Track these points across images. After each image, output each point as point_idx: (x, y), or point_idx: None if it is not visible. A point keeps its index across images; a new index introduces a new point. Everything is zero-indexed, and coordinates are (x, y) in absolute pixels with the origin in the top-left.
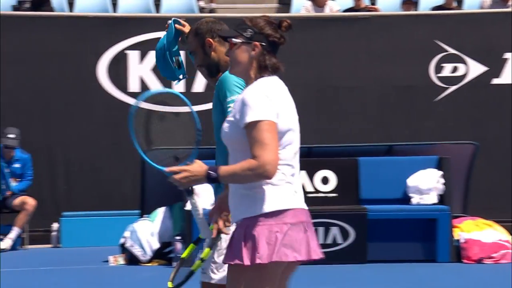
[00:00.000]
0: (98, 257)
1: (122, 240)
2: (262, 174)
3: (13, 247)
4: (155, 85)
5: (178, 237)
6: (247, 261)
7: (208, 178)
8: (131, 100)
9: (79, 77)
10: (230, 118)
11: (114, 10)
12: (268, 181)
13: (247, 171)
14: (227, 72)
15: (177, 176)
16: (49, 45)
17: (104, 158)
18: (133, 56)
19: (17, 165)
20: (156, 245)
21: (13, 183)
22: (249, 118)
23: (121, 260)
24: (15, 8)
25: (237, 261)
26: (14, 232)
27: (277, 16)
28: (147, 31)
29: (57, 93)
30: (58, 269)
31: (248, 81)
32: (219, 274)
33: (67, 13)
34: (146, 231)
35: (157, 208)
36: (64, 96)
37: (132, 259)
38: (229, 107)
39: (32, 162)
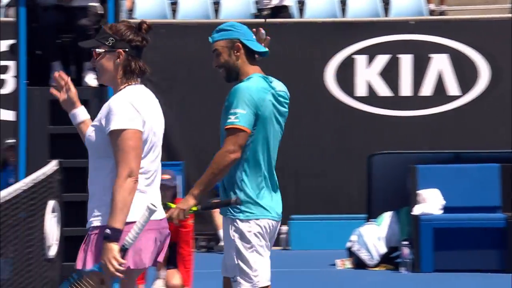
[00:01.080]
0: (326, 260)
1: (348, 244)
2: (130, 185)
3: None
4: (383, 90)
5: (405, 242)
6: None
7: (108, 237)
8: (358, 105)
9: (308, 82)
10: (95, 123)
11: (343, 14)
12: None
13: (124, 194)
14: (244, 83)
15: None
16: (280, 51)
17: (330, 162)
18: (360, 60)
19: None
20: (383, 249)
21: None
22: (113, 126)
23: (348, 264)
24: (255, 15)
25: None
26: None
27: None
28: (376, 35)
29: None
30: (287, 271)
31: (115, 88)
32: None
33: (296, 19)
34: (373, 235)
35: (383, 212)
36: (292, 100)
37: (359, 263)
38: (230, 118)
39: None
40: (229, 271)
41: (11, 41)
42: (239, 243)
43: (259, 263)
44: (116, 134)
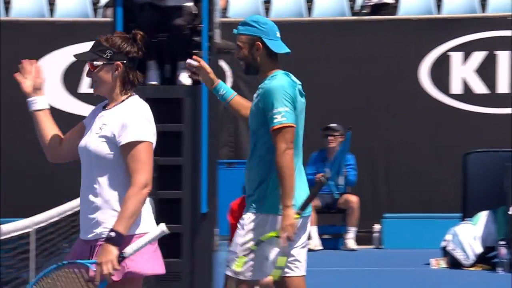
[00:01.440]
0: (419, 260)
1: (443, 243)
2: (145, 195)
3: (336, 247)
4: (479, 87)
5: (502, 242)
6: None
7: (111, 239)
8: (453, 103)
9: (401, 80)
10: (104, 134)
11: (438, 11)
12: None
13: (136, 203)
14: (274, 82)
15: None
16: (374, 48)
17: (424, 160)
18: (456, 57)
19: (337, 160)
20: (479, 249)
21: (340, 181)
22: (130, 138)
23: (443, 264)
24: (354, 13)
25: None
26: (351, 232)
27: None
28: (472, 32)
29: (380, 95)
30: (380, 270)
31: (113, 99)
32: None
33: (390, 16)
34: (469, 235)
35: (479, 211)
36: (386, 98)
37: (454, 263)
38: (276, 118)
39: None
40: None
41: None
42: None
43: None
44: (132, 146)
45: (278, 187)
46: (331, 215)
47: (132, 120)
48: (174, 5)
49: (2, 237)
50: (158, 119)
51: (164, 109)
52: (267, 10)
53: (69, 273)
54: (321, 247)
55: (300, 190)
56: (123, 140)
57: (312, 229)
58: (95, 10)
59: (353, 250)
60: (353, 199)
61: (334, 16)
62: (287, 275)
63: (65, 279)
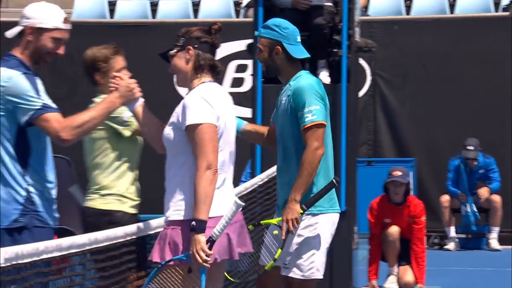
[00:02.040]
0: None
1: None
2: (210, 176)
3: (479, 247)
4: None
5: None
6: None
7: (194, 229)
8: None
9: None
10: (172, 120)
11: None
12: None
13: (204, 186)
14: (303, 81)
15: None
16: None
17: None
18: None
19: (481, 171)
20: None
21: (483, 192)
22: (189, 121)
23: None
24: (503, 9)
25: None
26: (494, 232)
27: None
28: None
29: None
30: None
31: (189, 88)
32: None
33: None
34: None
35: None
36: None
37: None
38: (307, 116)
39: (497, 164)
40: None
41: (249, 41)
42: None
43: None
44: (193, 129)
45: (319, 186)
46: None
47: (190, 103)
48: (315, 5)
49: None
50: None
51: None
52: (408, 8)
53: (172, 271)
54: (458, 248)
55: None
56: (184, 124)
57: (450, 230)
58: (237, 11)
59: (496, 250)
60: (496, 198)
61: (478, 13)
62: (288, 274)
63: (169, 278)
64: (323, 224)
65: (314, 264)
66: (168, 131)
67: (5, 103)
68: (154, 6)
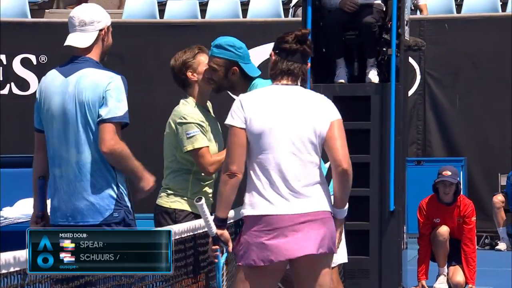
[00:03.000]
0: None
1: None
2: (225, 179)
3: None
4: None
5: None
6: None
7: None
8: None
9: None
10: None
11: None
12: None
13: (220, 186)
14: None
15: None
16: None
17: None
18: None
19: None
20: None
21: None
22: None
23: None
24: None
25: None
26: None
27: None
28: None
29: None
30: None
31: None
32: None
33: None
34: None
35: None
36: None
37: None
38: None
39: None
40: None
41: None
42: None
43: None
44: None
45: None
46: None
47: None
48: (364, 3)
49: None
50: (345, 117)
51: (352, 106)
52: (458, 6)
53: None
54: (510, 248)
55: None
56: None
57: (502, 230)
58: (286, 10)
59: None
60: None
61: None
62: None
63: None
64: None
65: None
66: None
67: (101, 101)
68: (203, 6)
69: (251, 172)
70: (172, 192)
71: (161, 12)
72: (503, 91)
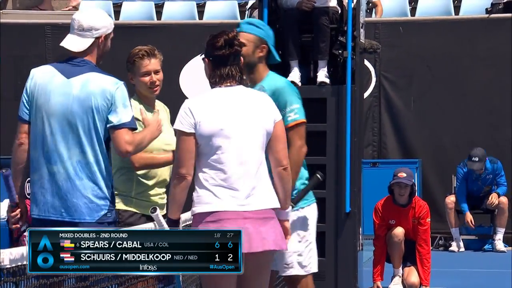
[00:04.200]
0: None
1: None
2: (176, 183)
3: (485, 248)
4: None
5: None
6: None
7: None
8: None
9: None
10: None
11: None
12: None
13: (171, 190)
14: (282, 80)
15: None
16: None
17: None
18: None
19: (488, 177)
20: None
21: (486, 189)
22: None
23: None
24: (487, 11)
25: None
26: (500, 233)
27: None
28: None
29: None
30: None
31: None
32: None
33: None
34: None
35: None
36: None
37: None
38: (289, 116)
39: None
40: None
41: None
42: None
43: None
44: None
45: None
46: (478, 215)
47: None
48: (319, 6)
49: None
50: (312, 119)
51: (308, 108)
52: (413, 9)
53: None
54: (463, 249)
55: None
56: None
57: (454, 231)
58: (242, 12)
59: (502, 251)
60: (503, 199)
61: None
62: (292, 273)
63: None
64: (311, 216)
65: (312, 259)
66: None
67: (109, 105)
68: (159, 8)
69: (201, 173)
70: (116, 192)
71: (117, 13)
72: (457, 93)
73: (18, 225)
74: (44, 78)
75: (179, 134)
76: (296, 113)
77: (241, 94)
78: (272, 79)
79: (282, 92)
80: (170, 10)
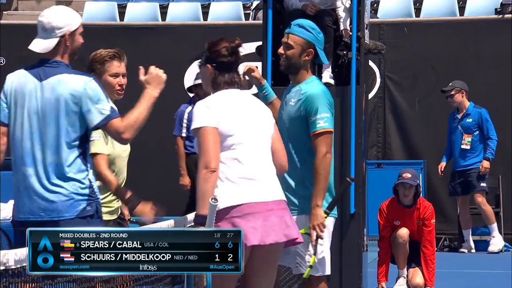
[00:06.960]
0: None
1: None
2: (205, 175)
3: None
4: None
5: None
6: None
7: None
8: None
9: None
10: None
11: None
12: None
13: (199, 184)
14: (316, 88)
15: None
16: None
17: None
18: None
19: (469, 120)
20: None
21: (467, 139)
22: (191, 127)
23: None
24: (496, 11)
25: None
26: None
27: None
28: None
29: None
30: None
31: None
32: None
33: None
34: None
35: None
36: None
37: None
38: (318, 123)
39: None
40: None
41: (259, 43)
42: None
43: None
44: (195, 134)
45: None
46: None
47: (194, 110)
48: (324, 8)
49: None
50: None
51: None
52: (417, 10)
53: None
54: (473, 250)
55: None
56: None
57: (466, 233)
58: (247, 13)
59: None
60: (479, 199)
61: (484, 15)
62: (302, 271)
63: None
64: (330, 226)
65: (326, 261)
66: None
67: (79, 106)
68: (163, 9)
69: (222, 166)
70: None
71: (121, 14)
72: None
73: None
74: (19, 83)
75: (203, 131)
76: (326, 121)
77: (245, 97)
78: (311, 83)
79: (316, 98)
80: (174, 11)
